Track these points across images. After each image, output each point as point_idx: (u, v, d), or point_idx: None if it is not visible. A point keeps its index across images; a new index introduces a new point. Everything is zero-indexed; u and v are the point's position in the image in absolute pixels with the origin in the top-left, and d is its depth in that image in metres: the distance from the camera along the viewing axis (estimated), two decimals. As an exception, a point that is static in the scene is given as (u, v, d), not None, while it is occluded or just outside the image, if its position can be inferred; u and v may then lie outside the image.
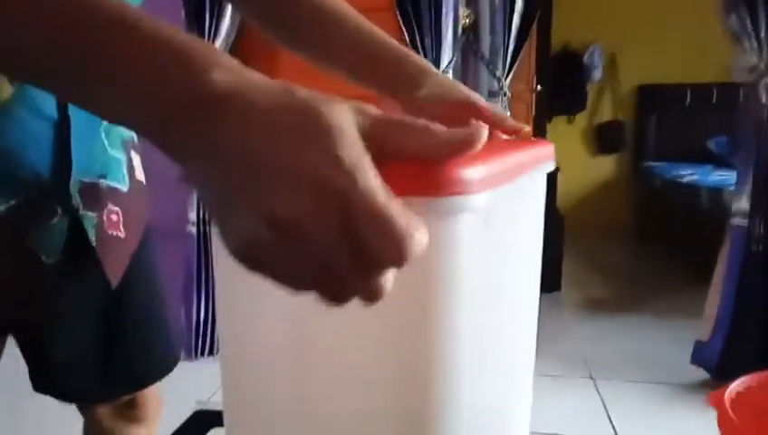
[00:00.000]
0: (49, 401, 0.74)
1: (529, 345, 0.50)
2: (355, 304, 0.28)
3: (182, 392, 0.89)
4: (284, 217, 0.24)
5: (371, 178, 0.24)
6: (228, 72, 0.25)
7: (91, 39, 0.26)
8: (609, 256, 3.77)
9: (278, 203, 0.24)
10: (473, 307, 0.31)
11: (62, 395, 0.73)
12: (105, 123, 0.66)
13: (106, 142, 0.66)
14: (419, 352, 0.30)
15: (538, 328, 0.52)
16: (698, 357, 2.00)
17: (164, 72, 0.25)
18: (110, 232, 0.65)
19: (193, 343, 2.14)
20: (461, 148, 0.27)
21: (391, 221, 0.24)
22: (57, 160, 0.58)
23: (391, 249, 0.24)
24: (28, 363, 0.71)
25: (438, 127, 0.28)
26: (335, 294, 0.26)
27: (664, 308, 2.70)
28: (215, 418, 0.71)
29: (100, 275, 0.66)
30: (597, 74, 4.15)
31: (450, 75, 2.10)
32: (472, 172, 0.29)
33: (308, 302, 0.31)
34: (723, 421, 0.45)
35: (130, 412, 0.78)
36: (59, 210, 0.60)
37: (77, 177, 0.60)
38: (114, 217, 0.66)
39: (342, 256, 0.24)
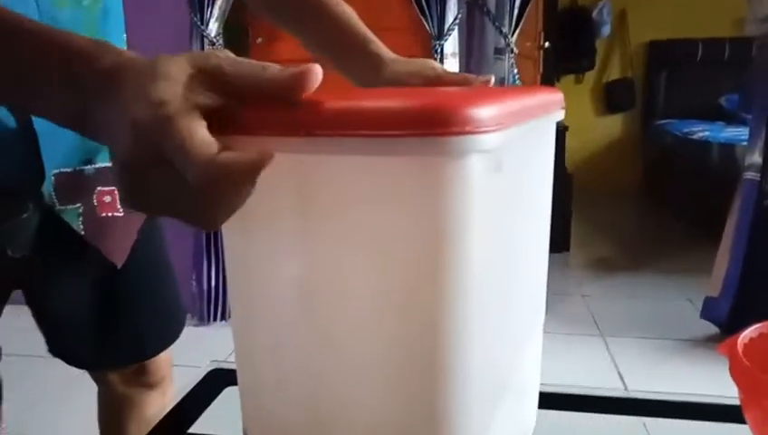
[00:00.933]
0: (72, 369, 0.76)
1: (539, 298, 0.50)
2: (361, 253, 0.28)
3: (195, 356, 0.90)
4: (122, 162, 0.28)
5: (177, 114, 0.27)
6: (108, 59, 0.30)
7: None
8: (618, 216, 3.76)
9: (117, 153, 0.28)
10: (484, 251, 0.31)
11: (72, 360, 0.75)
12: None
13: None
14: (429, 301, 0.29)
15: (548, 287, 0.51)
16: (709, 312, 2.01)
17: (63, 69, 0.31)
18: (103, 214, 0.65)
19: (205, 309, 2.17)
20: (293, 85, 0.28)
21: (186, 146, 0.26)
22: (26, 163, 0.57)
23: (189, 170, 0.27)
24: (39, 327, 0.73)
25: (273, 66, 0.29)
26: (187, 219, 0.30)
27: (672, 266, 2.70)
28: (231, 376, 0.72)
29: (97, 257, 0.66)
30: (606, 30, 4.04)
31: (456, 33, 2.05)
32: (482, 111, 0.28)
33: (314, 260, 0.31)
34: (736, 368, 0.44)
35: (142, 379, 0.79)
36: (30, 207, 0.60)
37: (52, 170, 0.60)
38: (107, 199, 0.65)
39: (172, 185, 0.28)
